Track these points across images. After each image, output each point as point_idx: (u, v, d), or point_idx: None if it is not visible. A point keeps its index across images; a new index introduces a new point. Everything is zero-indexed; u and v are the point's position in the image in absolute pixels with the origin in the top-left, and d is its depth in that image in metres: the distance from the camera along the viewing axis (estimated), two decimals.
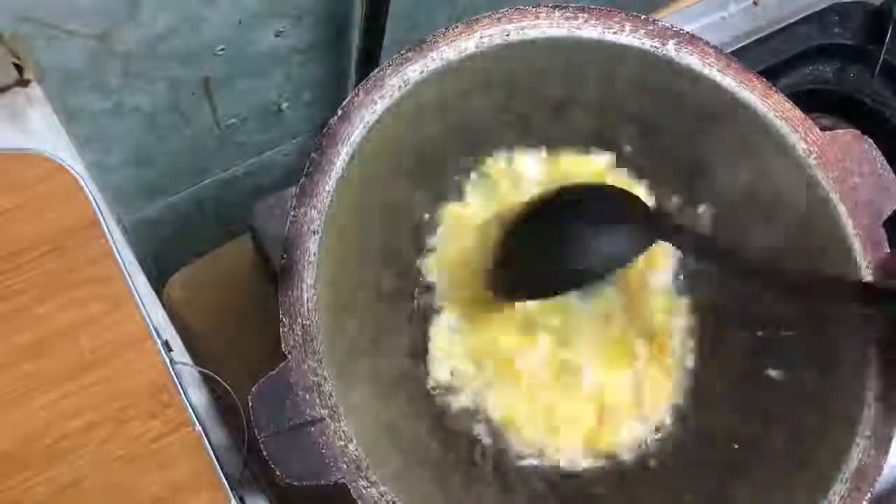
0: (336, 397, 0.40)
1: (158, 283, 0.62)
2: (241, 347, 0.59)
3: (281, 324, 0.40)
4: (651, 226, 0.45)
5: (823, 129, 0.46)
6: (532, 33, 0.46)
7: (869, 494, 0.41)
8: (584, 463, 0.49)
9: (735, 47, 0.66)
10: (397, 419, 0.47)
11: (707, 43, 0.47)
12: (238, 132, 0.76)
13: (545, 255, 0.46)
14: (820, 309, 0.46)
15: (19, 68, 0.52)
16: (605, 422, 0.49)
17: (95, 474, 0.43)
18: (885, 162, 0.46)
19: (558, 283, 0.45)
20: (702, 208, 0.51)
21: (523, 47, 0.46)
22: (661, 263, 0.52)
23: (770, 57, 0.66)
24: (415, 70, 0.45)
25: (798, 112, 0.46)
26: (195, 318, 0.62)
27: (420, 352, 0.50)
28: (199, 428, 0.45)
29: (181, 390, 0.45)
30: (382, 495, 0.39)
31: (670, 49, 0.46)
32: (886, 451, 0.42)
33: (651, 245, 0.45)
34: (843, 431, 0.42)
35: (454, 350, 0.50)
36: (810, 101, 0.66)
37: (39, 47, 0.55)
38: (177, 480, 0.44)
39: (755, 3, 0.67)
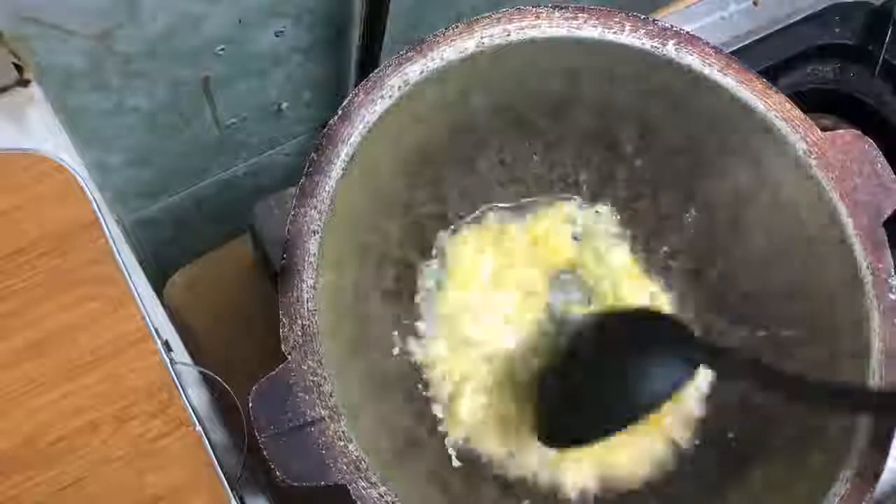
0: (336, 398, 0.40)
1: (158, 283, 0.62)
2: (241, 347, 0.59)
3: (281, 324, 0.40)
4: (696, 353, 0.44)
5: (823, 129, 0.46)
6: (532, 33, 0.46)
7: (869, 495, 0.41)
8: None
9: (735, 47, 0.65)
10: (397, 420, 0.47)
11: (707, 43, 0.47)
12: (238, 132, 0.76)
13: (593, 399, 0.44)
14: (821, 310, 0.46)
15: (19, 68, 0.52)
16: None
17: (95, 474, 0.43)
18: (885, 162, 0.46)
19: (608, 426, 0.43)
20: (700, 209, 0.51)
21: (523, 47, 0.46)
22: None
23: (770, 57, 0.66)
24: (415, 70, 0.45)
25: (798, 112, 0.46)
26: (195, 318, 0.62)
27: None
28: (199, 428, 0.45)
29: (181, 390, 0.45)
30: (382, 496, 0.39)
31: (670, 49, 0.46)
32: (887, 453, 0.42)
33: (695, 374, 0.43)
34: (843, 432, 0.42)
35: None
36: (810, 101, 0.66)
37: (39, 47, 0.55)
38: (177, 480, 0.44)
39: (755, 4, 0.67)
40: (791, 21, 0.67)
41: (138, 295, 0.47)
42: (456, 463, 0.47)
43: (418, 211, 0.51)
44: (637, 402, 0.43)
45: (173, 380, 0.45)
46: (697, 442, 0.49)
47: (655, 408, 0.43)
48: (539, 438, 0.46)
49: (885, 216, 0.45)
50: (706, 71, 0.46)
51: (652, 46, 0.46)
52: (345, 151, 0.43)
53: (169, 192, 0.79)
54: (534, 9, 0.46)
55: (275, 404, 0.39)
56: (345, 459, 0.39)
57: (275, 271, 0.43)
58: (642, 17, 0.47)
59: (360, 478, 0.39)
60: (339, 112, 0.43)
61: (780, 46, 0.66)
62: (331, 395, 0.40)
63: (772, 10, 0.67)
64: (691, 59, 0.46)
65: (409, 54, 0.45)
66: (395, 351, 0.49)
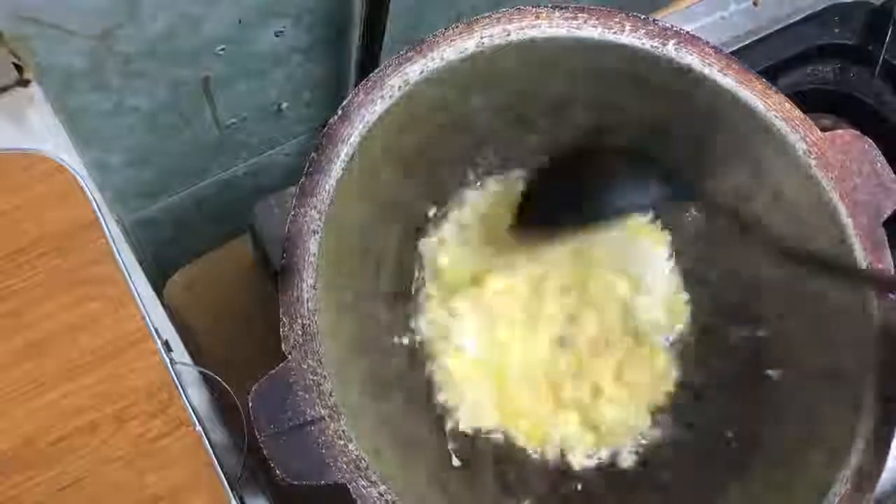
0: (336, 397, 0.40)
1: (158, 283, 0.62)
2: (242, 347, 0.59)
3: (281, 324, 0.40)
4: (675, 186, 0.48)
5: (823, 129, 0.46)
6: (532, 33, 0.46)
7: (869, 495, 0.41)
8: (584, 462, 0.49)
9: (735, 47, 0.65)
10: (397, 418, 0.47)
11: (707, 43, 0.47)
12: (238, 132, 0.76)
13: (577, 190, 0.48)
14: (820, 308, 0.46)
15: (19, 68, 0.52)
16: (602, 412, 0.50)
17: (95, 474, 0.43)
18: (885, 162, 0.46)
19: (589, 216, 0.48)
20: (700, 209, 0.51)
21: (523, 47, 0.46)
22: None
23: (770, 57, 0.66)
24: (415, 70, 0.45)
25: (798, 112, 0.46)
26: (195, 318, 0.62)
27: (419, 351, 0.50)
28: (199, 428, 0.45)
29: (181, 390, 0.45)
30: (382, 495, 0.39)
31: (670, 49, 0.46)
32: (886, 453, 0.42)
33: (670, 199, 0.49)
34: (843, 432, 0.42)
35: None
36: (810, 101, 0.66)
37: (39, 47, 0.55)
38: (177, 480, 0.44)
39: (755, 4, 0.67)
40: (791, 21, 0.67)
41: (138, 295, 0.47)
42: (456, 462, 0.48)
43: (418, 211, 0.51)
44: (608, 207, 0.48)
45: (173, 380, 0.45)
46: (698, 441, 0.49)
47: (622, 214, 0.50)
48: (518, 227, 0.50)
49: (885, 216, 0.45)
50: (706, 71, 0.46)
51: (652, 46, 0.46)
52: (345, 151, 0.43)
53: (169, 192, 0.79)
54: (534, 9, 0.46)
55: (275, 403, 0.39)
56: (345, 458, 0.39)
57: (275, 271, 0.43)
58: (642, 17, 0.47)
59: (360, 477, 0.39)
60: (339, 112, 0.43)
61: (780, 46, 0.66)
62: (331, 395, 0.40)
63: (772, 10, 0.67)
64: (691, 59, 0.46)
65: (409, 54, 0.45)
66: (395, 350, 0.49)
